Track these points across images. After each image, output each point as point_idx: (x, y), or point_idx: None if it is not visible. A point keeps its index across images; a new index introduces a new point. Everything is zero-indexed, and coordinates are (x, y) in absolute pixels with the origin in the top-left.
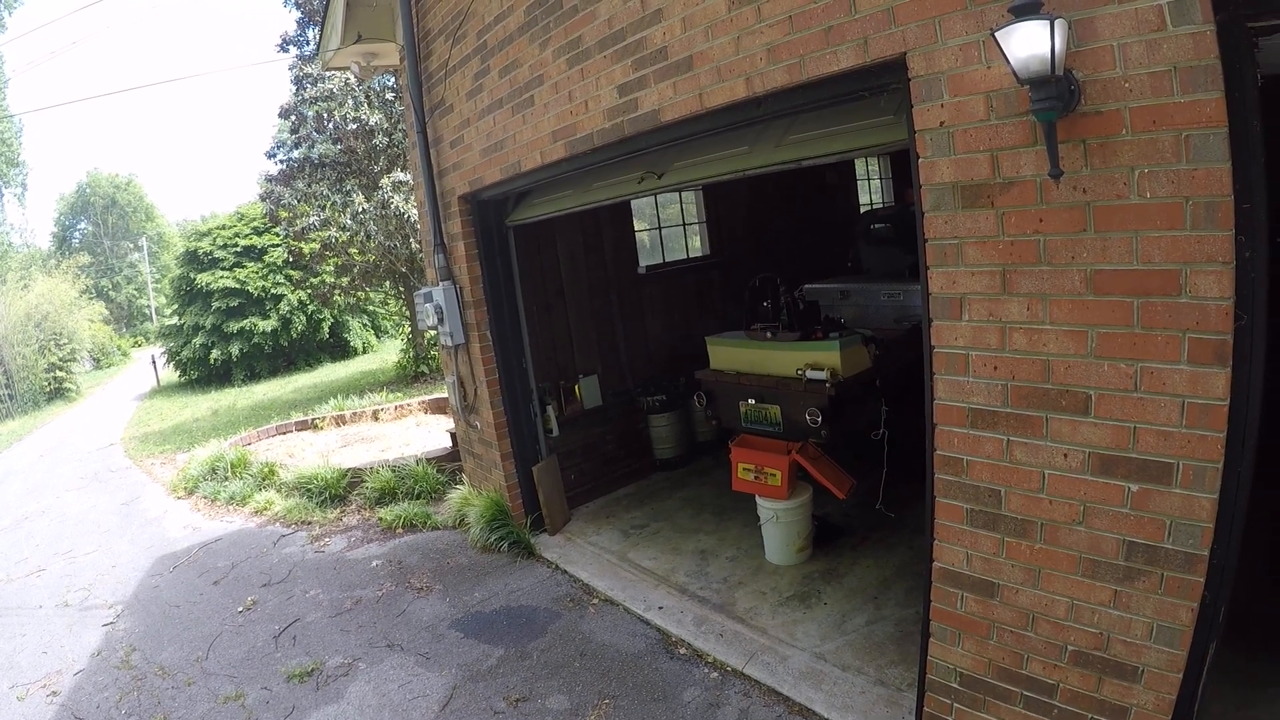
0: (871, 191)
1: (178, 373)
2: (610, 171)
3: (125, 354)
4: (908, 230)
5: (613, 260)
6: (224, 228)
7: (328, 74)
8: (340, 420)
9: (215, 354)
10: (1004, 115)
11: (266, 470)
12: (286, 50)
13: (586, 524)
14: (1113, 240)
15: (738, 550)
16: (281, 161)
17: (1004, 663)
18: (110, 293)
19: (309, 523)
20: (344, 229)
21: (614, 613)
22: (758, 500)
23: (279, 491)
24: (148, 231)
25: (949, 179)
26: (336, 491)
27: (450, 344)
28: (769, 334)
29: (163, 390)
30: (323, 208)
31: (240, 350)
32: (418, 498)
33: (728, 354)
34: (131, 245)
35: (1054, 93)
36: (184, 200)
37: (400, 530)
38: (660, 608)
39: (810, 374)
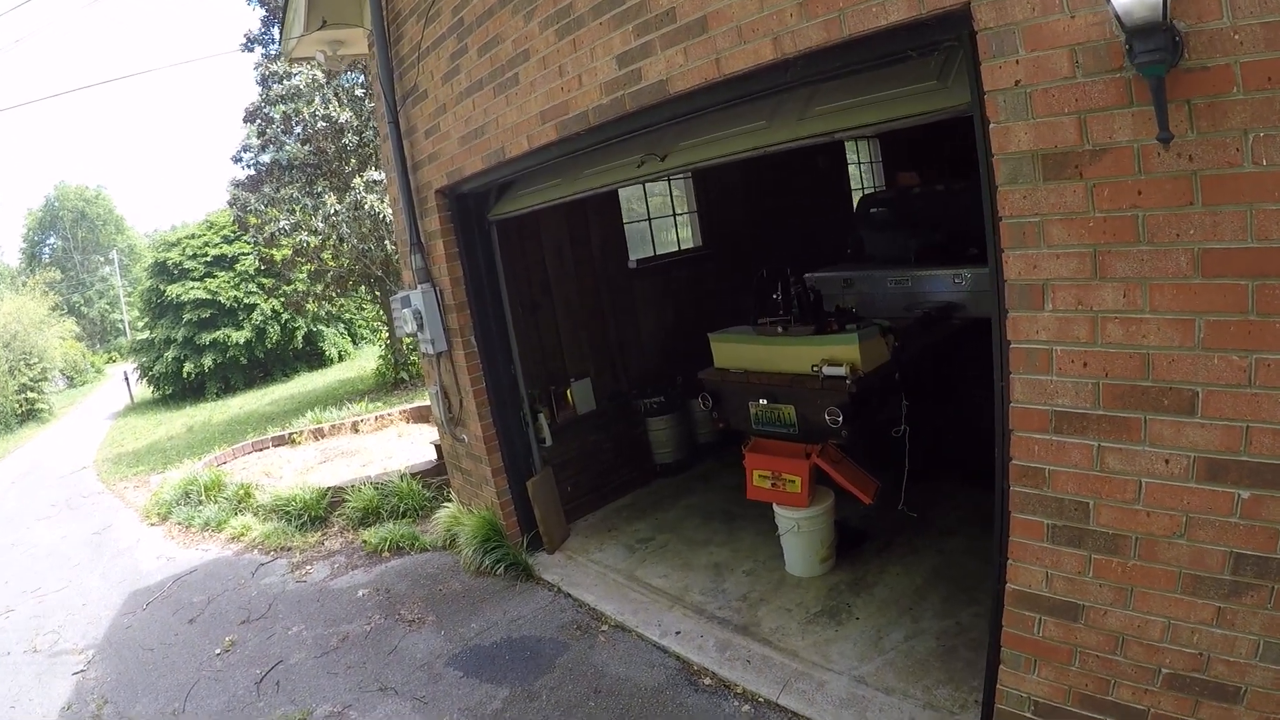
0: (862, 175)
1: (151, 388)
2: (605, 156)
3: (99, 370)
4: (911, 213)
5: (601, 254)
6: (193, 237)
7: (294, 72)
8: (318, 434)
9: (188, 368)
10: (1093, 72)
11: (242, 492)
12: (251, 50)
13: (587, 539)
14: (1224, 215)
15: (754, 562)
16: (248, 166)
17: (1087, 689)
18: (82, 308)
19: (289, 549)
20: (315, 233)
21: (627, 640)
22: (776, 509)
23: (256, 515)
24: (118, 244)
25: (1027, 146)
26: (317, 513)
27: (431, 351)
28: (780, 328)
29: (137, 407)
30: (292, 211)
31: (214, 363)
32: (403, 516)
33: (734, 351)
34: (102, 259)
35: (1163, 43)
36: (155, 211)
37: (386, 554)
38: (677, 632)
39: (827, 370)
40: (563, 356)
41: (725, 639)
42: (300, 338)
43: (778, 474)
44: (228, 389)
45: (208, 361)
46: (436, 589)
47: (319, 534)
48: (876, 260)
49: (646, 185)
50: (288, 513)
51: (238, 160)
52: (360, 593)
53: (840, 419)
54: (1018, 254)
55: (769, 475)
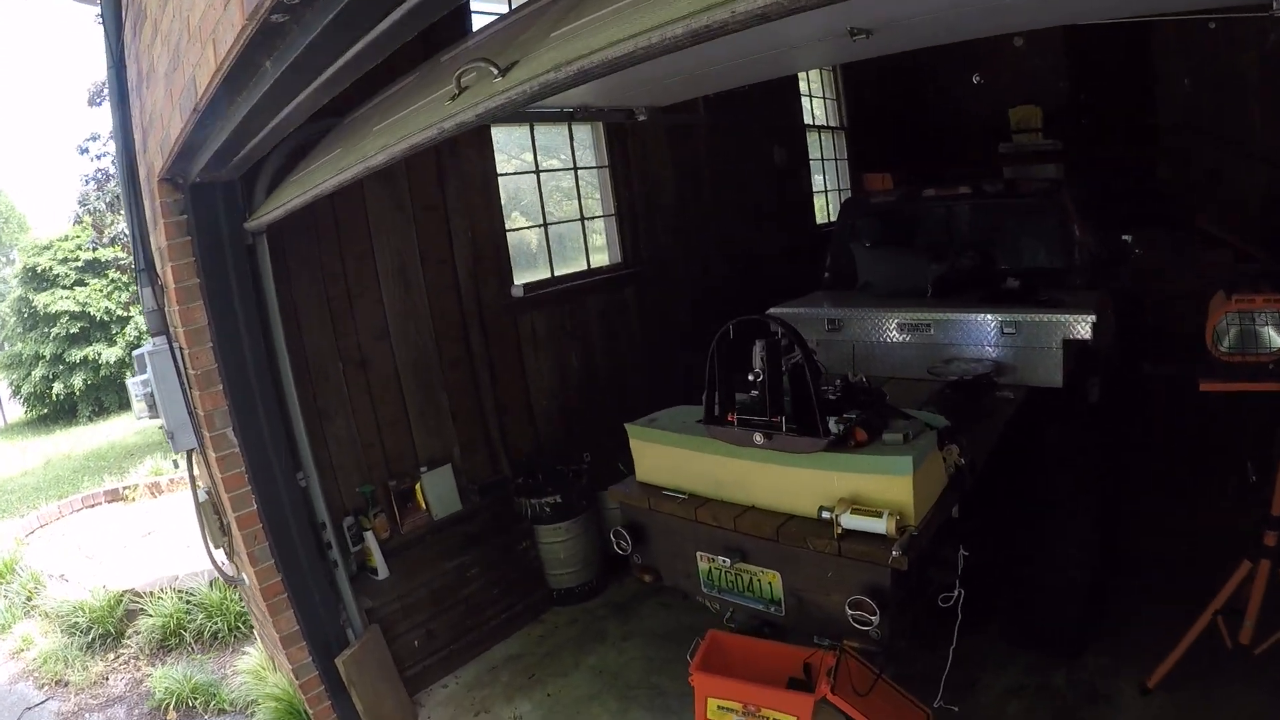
0: (826, 177)
1: (24, 409)
2: (401, 94)
3: None
4: (929, 222)
5: (470, 277)
6: (65, 239)
7: None
8: (155, 489)
9: (58, 388)
10: None
11: (31, 585)
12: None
13: None
14: None
15: None
16: (97, 157)
17: None
18: None
19: (65, 683)
20: None
21: None
22: None
23: (45, 619)
24: (20, 244)
25: None
26: (107, 627)
27: (175, 450)
28: (760, 434)
29: (10, 429)
30: None
31: (85, 382)
32: (212, 640)
33: (671, 461)
34: (4, 259)
35: None
36: (61, 210)
37: (172, 715)
38: None
39: (850, 522)
40: (409, 434)
41: None
42: None
43: (755, 710)
44: (101, 410)
45: (78, 381)
46: None
47: (107, 661)
48: (876, 290)
49: (542, 175)
50: (76, 624)
51: (84, 151)
52: None
53: (876, 616)
54: None
55: (737, 711)
